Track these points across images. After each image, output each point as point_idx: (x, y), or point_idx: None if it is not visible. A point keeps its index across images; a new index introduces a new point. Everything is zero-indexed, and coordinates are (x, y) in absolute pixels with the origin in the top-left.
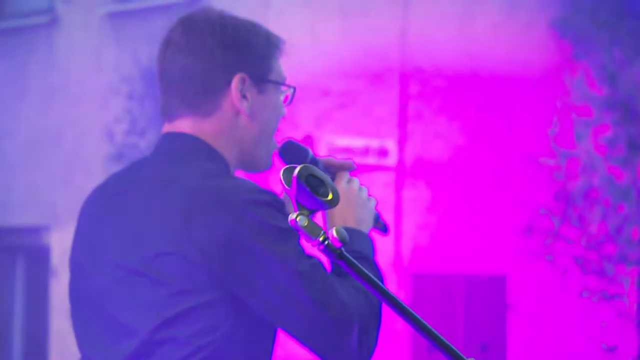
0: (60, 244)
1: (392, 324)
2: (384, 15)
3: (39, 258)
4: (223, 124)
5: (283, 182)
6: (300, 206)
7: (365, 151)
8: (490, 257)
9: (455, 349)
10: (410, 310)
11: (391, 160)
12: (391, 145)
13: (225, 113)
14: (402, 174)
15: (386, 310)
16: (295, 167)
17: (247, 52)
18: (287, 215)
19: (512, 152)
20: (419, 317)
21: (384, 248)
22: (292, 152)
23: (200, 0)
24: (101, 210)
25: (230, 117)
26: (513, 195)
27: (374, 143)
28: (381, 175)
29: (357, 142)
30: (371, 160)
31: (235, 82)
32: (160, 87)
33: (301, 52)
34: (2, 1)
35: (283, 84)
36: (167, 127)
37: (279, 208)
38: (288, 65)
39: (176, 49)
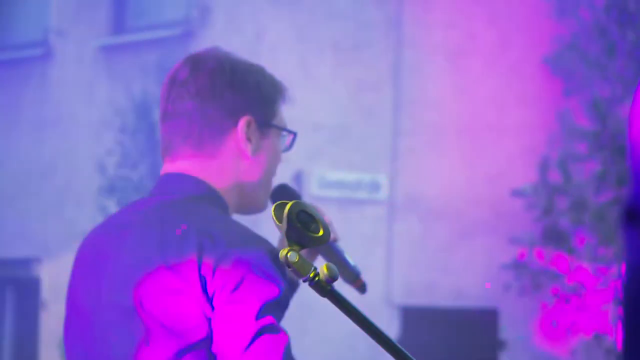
0: (51, 276)
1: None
2: (377, 49)
3: (29, 290)
4: (225, 165)
5: (274, 217)
6: (291, 242)
7: (357, 185)
8: (481, 291)
9: None
10: (399, 346)
11: (383, 194)
12: (383, 179)
13: (228, 155)
14: (394, 208)
15: (375, 345)
16: (286, 203)
17: (255, 95)
18: (279, 269)
19: (502, 188)
20: (407, 353)
21: (374, 282)
22: (284, 196)
23: (192, 34)
24: (101, 249)
25: (233, 159)
26: (503, 229)
27: (366, 177)
28: (373, 209)
29: (349, 176)
30: (363, 194)
31: (242, 124)
32: (162, 126)
33: (293, 86)
34: None
35: (286, 129)
36: (169, 167)
37: (275, 260)
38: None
39: (183, 88)
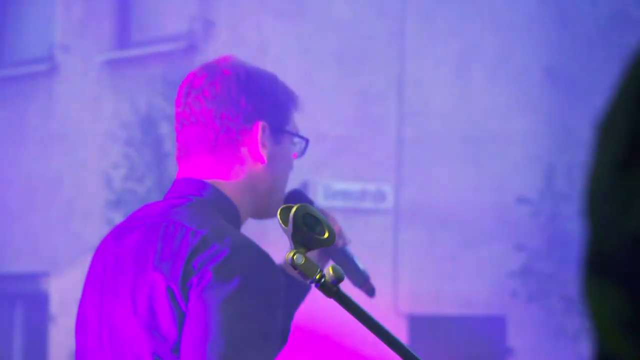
0: (59, 290)
1: None
2: (380, 60)
3: (38, 304)
4: (240, 171)
5: (280, 220)
6: (297, 244)
7: (363, 195)
8: (489, 299)
9: None
10: (406, 346)
11: (388, 204)
12: (388, 189)
13: (242, 160)
14: (399, 217)
15: (384, 348)
16: (292, 207)
17: (270, 101)
18: (277, 282)
19: (508, 195)
20: (417, 355)
21: (381, 291)
22: (296, 200)
23: (196, 47)
24: (112, 259)
25: (247, 164)
26: (509, 237)
27: (371, 187)
28: (378, 218)
29: (354, 186)
30: (368, 204)
31: (257, 129)
32: (178, 132)
33: (298, 97)
34: (1, 50)
35: (298, 135)
36: (183, 172)
37: (276, 273)
38: None
39: (199, 95)
